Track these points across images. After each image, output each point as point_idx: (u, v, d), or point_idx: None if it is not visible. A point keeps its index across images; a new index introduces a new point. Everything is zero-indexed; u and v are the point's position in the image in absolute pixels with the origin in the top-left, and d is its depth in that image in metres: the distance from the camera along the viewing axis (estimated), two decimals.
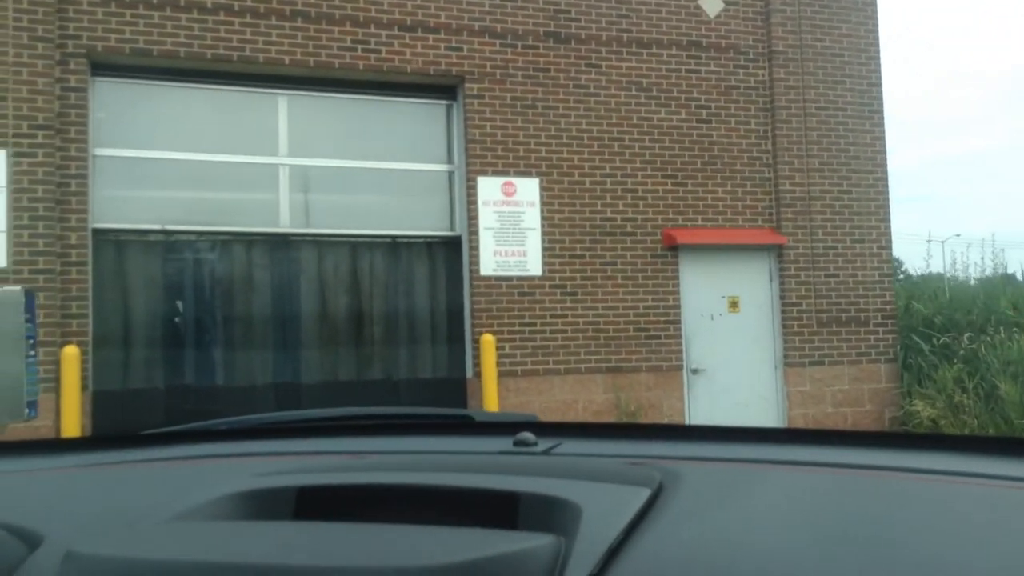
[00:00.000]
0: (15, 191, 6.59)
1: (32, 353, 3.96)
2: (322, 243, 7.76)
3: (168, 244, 7.40)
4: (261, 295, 7.62)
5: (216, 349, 7.52)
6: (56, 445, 1.33)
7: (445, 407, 7.71)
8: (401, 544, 0.70)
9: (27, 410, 3.84)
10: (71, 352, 6.62)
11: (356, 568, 0.65)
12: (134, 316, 7.28)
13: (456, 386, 7.96)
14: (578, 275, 8.05)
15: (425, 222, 8.06)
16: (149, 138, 7.38)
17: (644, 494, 0.78)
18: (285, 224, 7.69)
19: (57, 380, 6.59)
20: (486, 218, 7.86)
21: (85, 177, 6.92)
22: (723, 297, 8.47)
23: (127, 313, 7.25)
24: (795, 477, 0.88)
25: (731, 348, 8.40)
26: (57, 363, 6.60)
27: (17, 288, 3.83)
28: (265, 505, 0.85)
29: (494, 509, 0.79)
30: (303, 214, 7.76)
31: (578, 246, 8.08)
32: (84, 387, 6.77)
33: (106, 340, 7.14)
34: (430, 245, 8.04)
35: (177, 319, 7.46)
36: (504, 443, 1.05)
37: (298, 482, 0.87)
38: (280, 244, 7.67)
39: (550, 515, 0.76)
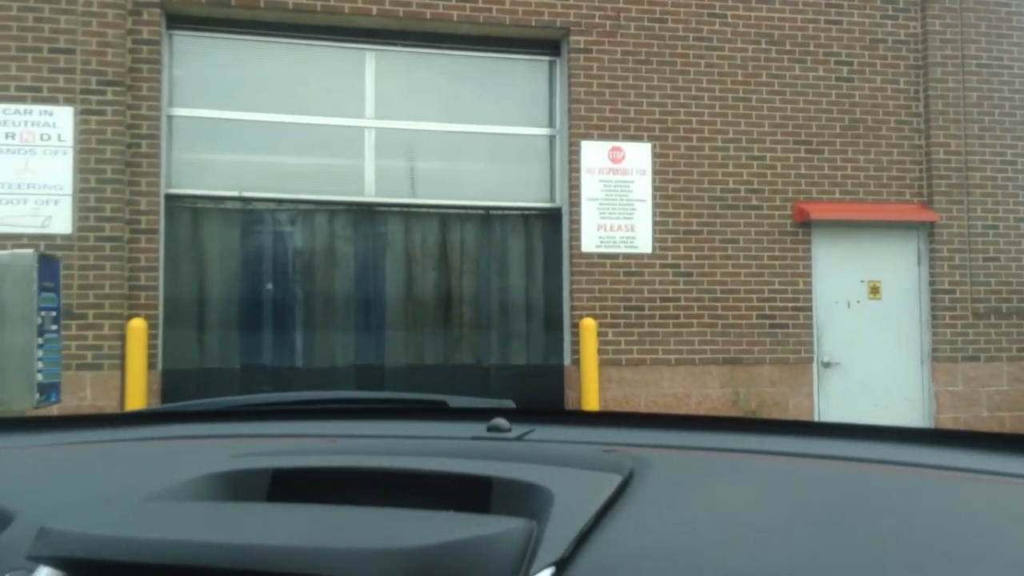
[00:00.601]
0: (82, 151, 6.12)
1: (54, 327, 3.35)
2: (409, 214, 7.07)
3: (245, 213, 6.85)
4: (343, 269, 6.99)
5: (295, 327, 6.95)
6: (32, 424, 1.33)
7: (542, 397, 6.95)
8: (375, 526, 0.71)
9: (42, 395, 3.23)
10: (137, 325, 6.12)
11: (332, 549, 0.67)
12: (208, 289, 6.76)
13: (552, 375, 7.16)
14: (694, 254, 7.10)
15: (522, 192, 7.26)
16: (226, 97, 6.83)
17: (615, 481, 0.78)
18: (370, 193, 7.03)
19: (122, 356, 6.11)
20: (590, 188, 7.01)
21: (157, 138, 6.41)
22: (862, 281, 7.37)
23: (201, 286, 6.74)
24: (765, 466, 0.88)
25: (870, 340, 7.31)
26: (123, 338, 6.12)
27: (29, 251, 3.20)
28: (240, 486, 0.85)
29: (467, 493, 0.80)
30: (390, 182, 7.08)
31: (695, 221, 7.13)
32: (152, 365, 6.28)
33: (177, 315, 6.64)
34: (527, 218, 7.24)
35: (255, 293, 6.91)
36: (478, 428, 1.04)
37: (273, 464, 0.87)
38: (364, 214, 7.02)
39: (522, 500, 0.76)
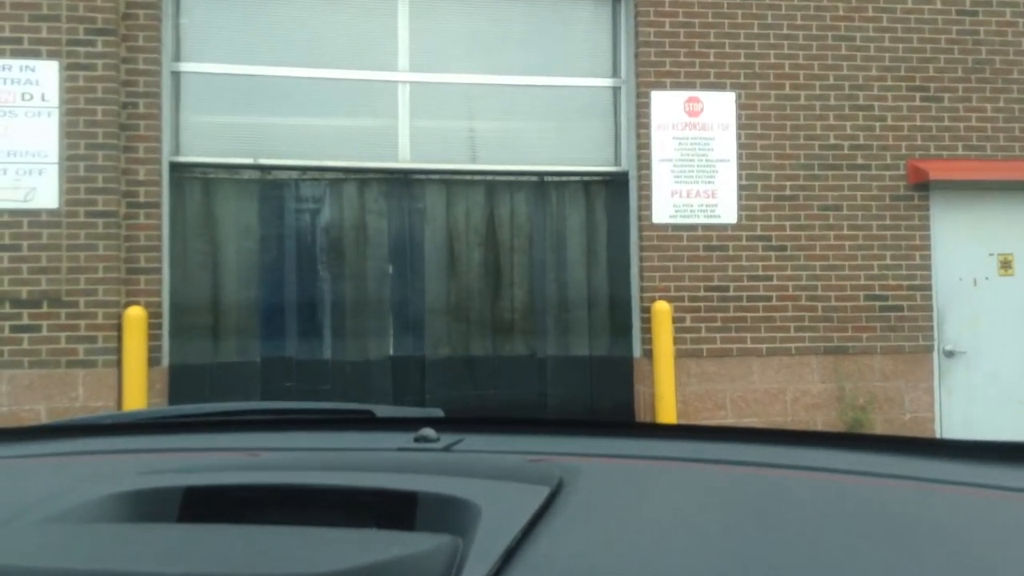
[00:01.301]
0: (69, 112, 5.26)
1: None
2: (451, 183, 6.08)
3: (263, 183, 5.94)
4: (376, 248, 6.05)
5: (322, 315, 6.03)
6: None
7: (607, 394, 5.93)
8: (291, 548, 0.68)
9: None
10: (135, 315, 5.27)
11: None
12: (221, 272, 5.88)
13: (619, 368, 6.12)
14: (788, 223, 5.98)
15: (581, 155, 6.22)
16: (239, 50, 5.91)
17: (543, 492, 0.78)
18: (405, 158, 6.06)
19: (119, 350, 5.26)
20: (662, 147, 5.92)
21: (157, 96, 5.52)
22: (991, 255, 6.16)
23: (212, 269, 5.86)
24: (695, 474, 0.88)
25: (1001, 324, 6.10)
26: (119, 329, 5.27)
27: None
28: (148, 506, 0.81)
29: (391, 509, 0.78)
30: (427, 146, 6.10)
31: (788, 184, 6.00)
32: (155, 361, 5.42)
33: (185, 302, 5.77)
34: (587, 185, 6.19)
35: (275, 276, 6.01)
36: (405, 439, 1.02)
37: (185, 481, 0.84)
38: (399, 184, 6.05)
39: (448, 515, 0.75)
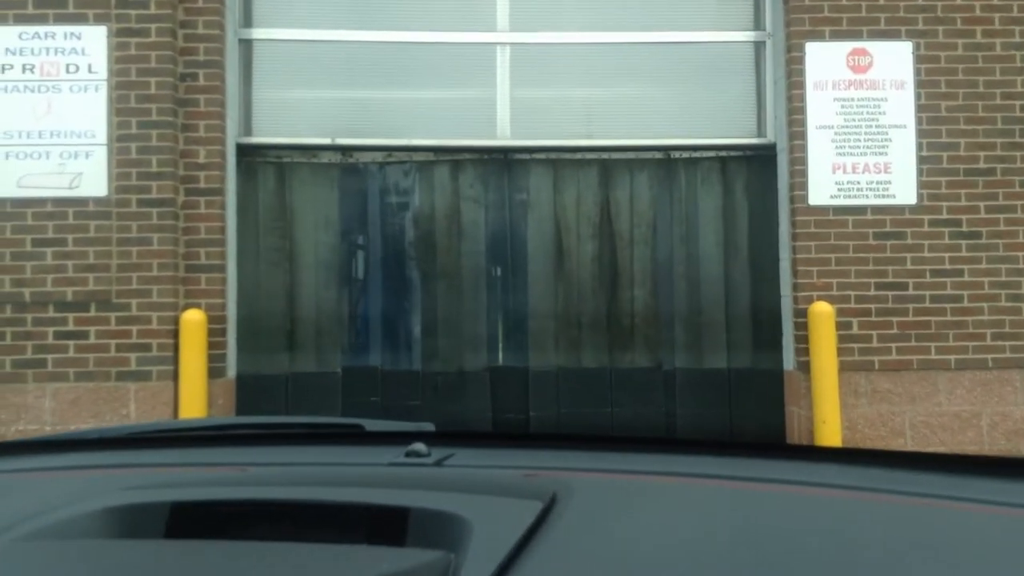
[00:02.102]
0: (119, 86, 4.56)
1: None
2: (559, 163, 5.13)
3: (344, 168, 5.13)
4: (471, 242, 5.16)
5: (412, 320, 5.18)
6: None
7: (751, 416, 4.90)
8: (279, 565, 0.68)
9: None
10: (194, 319, 4.52)
11: None
12: (297, 270, 5.10)
13: (766, 384, 5.04)
14: (981, 204, 4.77)
15: (718, 125, 5.17)
16: (318, 13, 5.12)
17: (536, 507, 0.77)
18: (504, 135, 5.15)
19: (175, 361, 4.52)
20: (820, 112, 4.81)
21: (220, 67, 4.77)
22: None
23: (287, 266, 5.08)
24: (692, 490, 0.87)
25: None
26: (175, 336, 4.53)
27: None
28: (135, 522, 0.80)
29: (382, 524, 0.78)
30: (530, 118, 5.16)
31: (982, 155, 4.79)
32: (217, 373, 4.66)
33: (254, 305, 5.02)
34: (724, 161, 5.14)
35: (358, 274, 5.19)
36: (395, 454, 1.01)
37: (171, 497, 0.83)
38: (498, 165, 5.14)
39: (439, 530, 0.75)
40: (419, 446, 1.01)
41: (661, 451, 1.06)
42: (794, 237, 4.82)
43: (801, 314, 4.75)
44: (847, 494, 0.83)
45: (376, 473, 0.94)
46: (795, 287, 4.82)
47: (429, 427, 1.28)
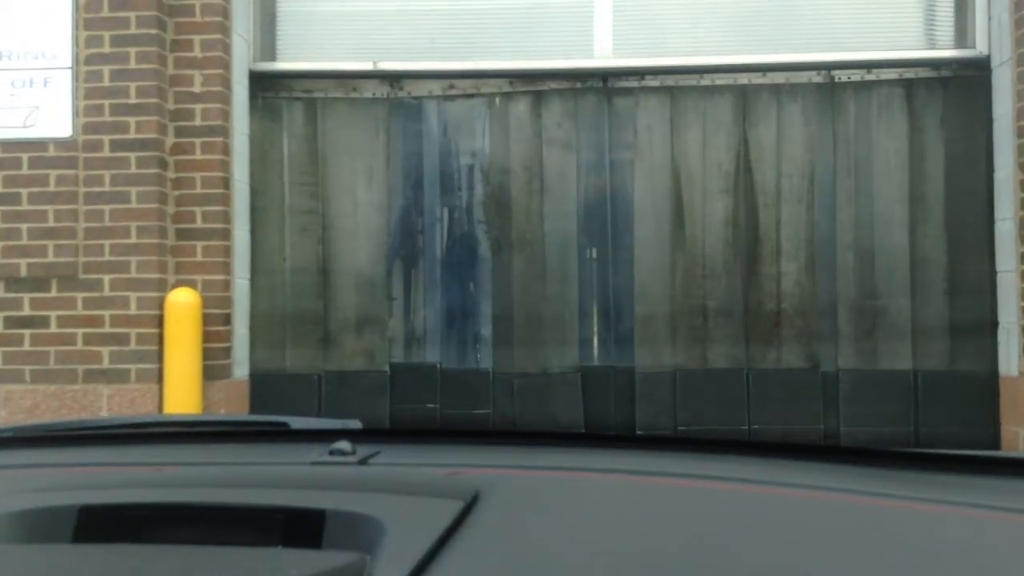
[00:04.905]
0: None
1: None
2: (678, 90, 3.80)
3: (393, 104, 3.90)
4: (558, 201, 3.88)
5: (479, 305, 3.94)
6: None
7: (947, 429, 3.57)
8: (191, 569, 0.68)
9: None
10: (182, 302, 3.36)
11: None
12: (331, 239, 3.91)
13: (970, 392, 3.65)
14: None
15: (900, 33, 3.74)
16: None
17: (457, 507, 0.75)
18: (604, 52, 3.82)
19: (160, 356, 3.36)
20: None
21: None
22: None
23: (317, 234, 3.89)
24: (620, 486, 0.86)
25: None
26: (160, 323, 3.37)
27: None
28: (40, 526, 0.77)
29: (298, 526, 0.75)
30: (639, 31, 3.82)
31: None
32: (220, 372, 3.49)
33: (273, 284, 3.84)
34: (911, 84, 3.71)
35: (410, 245, 3.98)
36: (319, 452, 0.95)
37: (81, 499, 0.80)
38: (595, 95, 3.84)
39: (356, 532, 0.73)
40: (343, 444, 0.95)
41: (596, 447, 1.02)
42: (1023, 189, 3.35)
43: None
44: (782, 491, 0.81)
45: (296, 473, 0.91)
46: (1022, 259, 3.35)
47: (356, 424, 1.20)
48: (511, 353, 3.89)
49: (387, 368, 3.93)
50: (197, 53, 3.51)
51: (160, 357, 3.37)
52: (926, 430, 3.66)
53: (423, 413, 3.91)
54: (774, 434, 3.75)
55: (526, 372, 3.87)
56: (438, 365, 3.93)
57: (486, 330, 3.93)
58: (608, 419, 3.87)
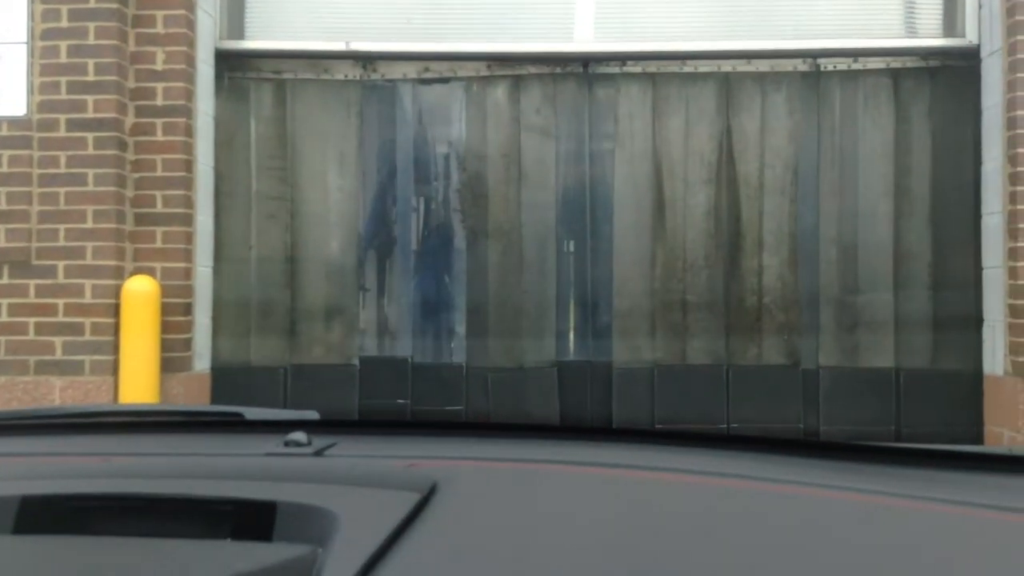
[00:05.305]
0: None
1: None
2: (660, 77, 3.69)
3: (366, 86, 3.76)
4: (537, 190, 3.77)
5: (453, 296, 3.82)
6: None
7: (929, 429, 3.52)
8: (137, 563, 0.67)
9: None
10: (140, 290, 3.21)
11: None
12: (300, 227, 3.77)
13: (956, 392, 3.59)
14: None
15: (887, 21, 3.65)
16: None
17: (413, 499, 0.74)
18: (585, 36, 3.70)
19: (115, 347, 3.21)
20: None
21: None
22: None
23: (292, 221, 3.75)
24: (580, 479, 0.85)
25: None
26: (117, 312, 3.22)
27: None
28: None
29: (250, 518, 0.74)
30: (621, 13, 3.71)
31: None
32: (180, 365, 3.35)
33: (238, 273, 3.69)
34: (896, 74, 3.63)
35: (383, 234, 3.85)
36: (275, 443, 0.94)
37: (23, 489, 0.78)
38: (575, 81, 3.72)
39: (308, 524, 0.71)
40: (299, 435, 0.93)
41: (556, 439, 1.02)
42: (1013, 180, 3.27)
43: (1022, 294, 3.21)
44: (738, 483, 0.80)
45: (250, 464, 0.88)
46: (1012, 254, 3.28)
47: (313, 415, 1.18)
48: (486, 346, 3.77)
49: (356, 361, 3.80)
50: (160, 29, 3.35)
51: (116, 348, 3.21)
52: (908, 430, 3.58)
53: (393, 408, 3.79)
54: (753, 432, 3.66)
55: (501, 366, 3.75)
56: (410, 359, 3.80)
57: (460, 323, 3.81)
58: (584, 415, 3.77)
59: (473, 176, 3.79)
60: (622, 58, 3.65)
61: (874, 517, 0.72)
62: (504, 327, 3.76)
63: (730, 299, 3.68)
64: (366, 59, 3.72)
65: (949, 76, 3.57)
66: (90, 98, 3.24)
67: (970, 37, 3.50)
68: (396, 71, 3.76)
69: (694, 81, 3.66)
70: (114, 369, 3.19)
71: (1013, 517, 0.72)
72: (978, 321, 3.48)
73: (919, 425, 3.55)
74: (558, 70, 3.71)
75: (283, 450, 0.91)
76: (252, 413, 1.20)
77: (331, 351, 3.80)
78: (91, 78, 3.24)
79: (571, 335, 3.80)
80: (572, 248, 3.81)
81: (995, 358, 3.37)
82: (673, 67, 3.65)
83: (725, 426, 3.69)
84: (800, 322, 3.67)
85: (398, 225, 3.85)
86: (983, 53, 3.44)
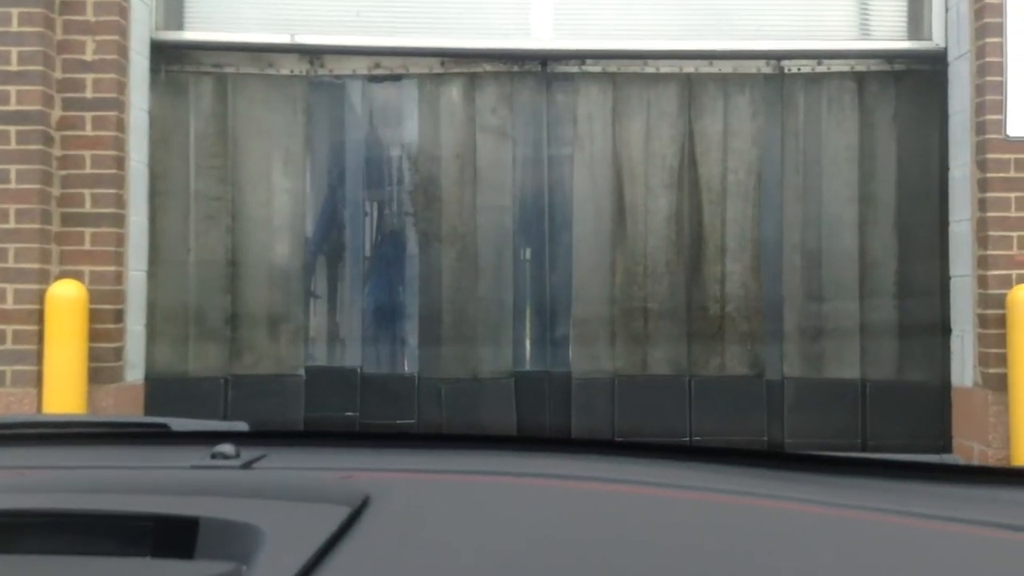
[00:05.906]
0: None
1: None
2: (621, 77, 3.56)
3: (312, 83, 3.58)
4: (492, 193, 3.63)
5: (405, 303, 3.64)
6: None
7: (896, 443, 3.45)
8: None
9: None
10: (65, 295, 2.99)
11: None
12: (241, 229, 3.57)
13: (922, 404, 3.51)
14: None
15: (852, 22, 3.57)
16: None
17: (343, 512, 0.72)
18: (543, 33, 3.56)
19: (39, 356, 2.98)
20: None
21: None
22: None
23: (233, 222, 3.54)
24: (512, 489, 0.82)
25: None
26: (41, 319, 2.99)
27: None
28: None
29: (169, 534, 0.72)
30: (580, 10, 3.57)
31: None
32: (109, 376, 3.12)
33: (172, 278, 3.48)
34: (863, 77, 3.53)
35: (330, 239, 3.67)
36: (201, 456, 0.91)
37: None
38: (533, 80, 3.58)
39: (232, 540, 0.69)
40: (226, 447, 0.91)
41: (493, 449, 0.99)
42: (982, 187, 3.19)
43: (992, 303, 3.14)
44: (680, 493, 0.80)
45: (172, 477, 0.86)
46: (981, 263, 3.20)
47: (243, 426, 1.14)
48: (439, 356, 3.60)
49: (302, 372, 3.60)
50: (90, 17, 3.13)
51: (40, 358, 2.98)
52: (874, 442, 3.48)
53: (341, 421, 3.60)
54: (716, 445, 3.54)
55: (455, 377, 3.58)
56: (359, 369, 3.62)
57: (412, 331, 3.64)
58: (543, 427, 3.62)
59: (426, 178, 3.62)
60: (581, 56, 3.52)
61: (837, 529, 0.70)
62: (459, 336, 3.60)
63: (692, 307, 3.55)
64: (313, 53, 3.54)
65: (915, 79, 3.49)
66: (12, 89, 3.01)
67: (937, 40, 3.42)
68: (345, 67, 3.58)
69: (655, 82, 3.54)
70: (37, 380, 2.96)
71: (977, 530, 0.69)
72: (946, 331, 3.40)
73: (886, 438, 3.45)
74: (515, 68, 3.56)
75: (209, 463, 0.89)
76: (179, 424, 1.16)
77: (275, 361, 3.60)
78: (14, 68, 3.02)
79: (528, 344, 3.65)
80: (529, 254, 3.66)
81: (964, 369, 3.28)
82: (634, 67, 3.52)
83: (687, 438, 3.57)
84: (764, 331, 3.55)
85: (347, 229, 3.67)
86: (950, 56, 3.37)
